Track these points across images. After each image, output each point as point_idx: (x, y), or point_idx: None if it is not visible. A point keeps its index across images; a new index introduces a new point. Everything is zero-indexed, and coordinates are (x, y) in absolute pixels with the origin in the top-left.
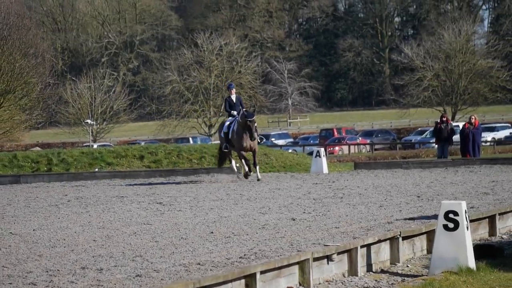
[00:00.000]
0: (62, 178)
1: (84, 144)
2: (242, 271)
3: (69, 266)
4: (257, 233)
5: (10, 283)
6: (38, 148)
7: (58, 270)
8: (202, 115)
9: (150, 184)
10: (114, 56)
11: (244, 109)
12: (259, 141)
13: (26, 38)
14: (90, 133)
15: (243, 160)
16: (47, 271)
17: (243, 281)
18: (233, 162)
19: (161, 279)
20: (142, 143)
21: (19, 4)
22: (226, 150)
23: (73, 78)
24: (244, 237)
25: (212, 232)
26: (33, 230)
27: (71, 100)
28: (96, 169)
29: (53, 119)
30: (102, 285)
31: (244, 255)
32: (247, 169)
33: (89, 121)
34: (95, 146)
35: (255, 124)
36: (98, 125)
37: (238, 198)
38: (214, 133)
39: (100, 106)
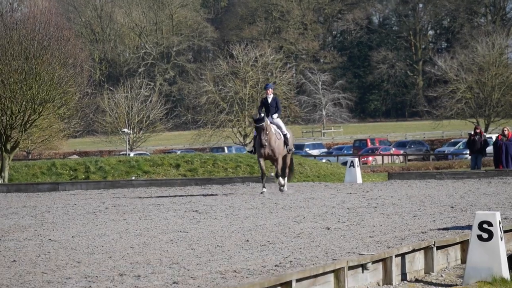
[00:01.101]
0: (100, 186)
1: (121, 153)
2: (278, 279)
3: (107, 272)
4: (292, 241)
5: None
6: (76, 156)
7: (96, 276)
8: (237, 125)
9: (187, 194)
10: (150, 67)
11: (257, 114)
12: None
13: (65, 49)
14: (127, 142)
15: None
16: (85, 278)
17: None
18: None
19: (198, 286)
20: (178, 152)
21: (59, 15)
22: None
23: (110, 88)
24: (279, 245)
25: (247, 240)
26: (72, 237)
27: (108, 109)
28: (133, 177)
29: (91, 128)
30: None
31: (280, 263)
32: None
33: (126, 130)
34: (131, 154)
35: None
36: (134, 134)
37: (273, 207)
38: (249, 142)
39: (136, 115)
